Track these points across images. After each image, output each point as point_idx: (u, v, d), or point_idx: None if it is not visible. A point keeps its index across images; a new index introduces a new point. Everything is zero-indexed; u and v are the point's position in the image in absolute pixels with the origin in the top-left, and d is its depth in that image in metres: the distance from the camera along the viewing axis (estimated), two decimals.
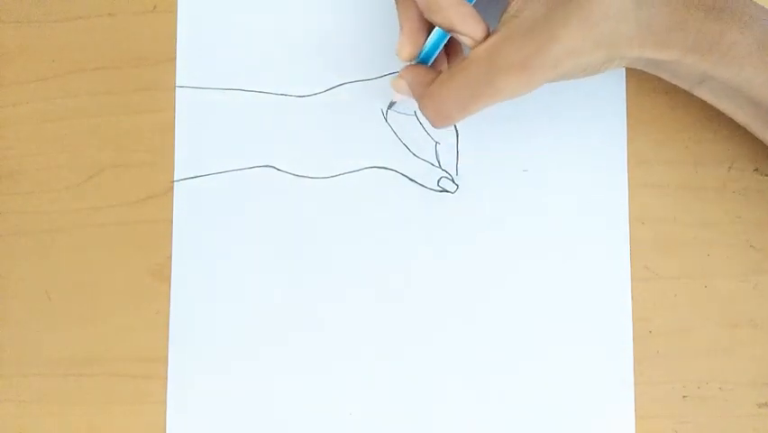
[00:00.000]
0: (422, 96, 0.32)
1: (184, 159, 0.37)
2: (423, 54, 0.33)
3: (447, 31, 0.31)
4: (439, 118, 0.32)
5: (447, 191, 0.37)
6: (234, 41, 0.38)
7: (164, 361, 0.36)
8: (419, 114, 0.37)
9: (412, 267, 0.36)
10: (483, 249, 0.36)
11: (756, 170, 0.36)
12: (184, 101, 0.38)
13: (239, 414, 0.36)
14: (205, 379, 0.36)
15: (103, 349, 0.37)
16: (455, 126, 0.37)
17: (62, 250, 0.38)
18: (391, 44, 0.37)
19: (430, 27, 0.33)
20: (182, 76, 0.38)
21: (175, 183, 0.37)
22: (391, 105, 0.36)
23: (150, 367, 0.37)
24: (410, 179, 0.37)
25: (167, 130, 0.38)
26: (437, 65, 0.34)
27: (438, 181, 0.37)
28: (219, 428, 0.36)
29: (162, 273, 0.37)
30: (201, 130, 0.38)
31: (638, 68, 0.32)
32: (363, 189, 0.37)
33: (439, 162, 0.37)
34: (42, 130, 0.38)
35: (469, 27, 0.30)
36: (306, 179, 0.37)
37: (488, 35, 0.30)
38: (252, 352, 0.36)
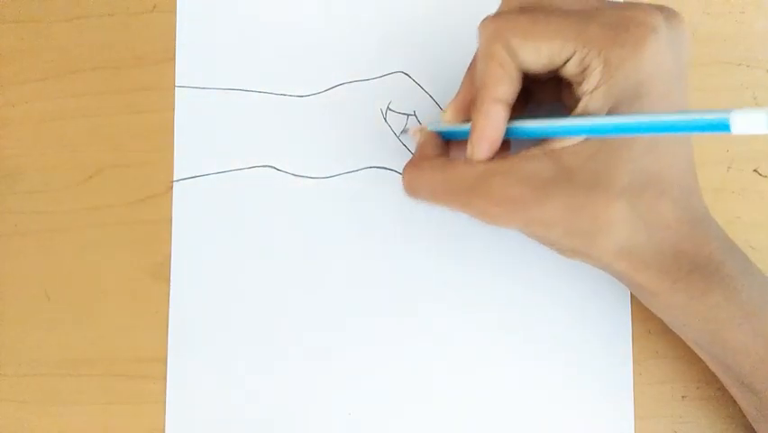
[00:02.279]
0: (413, 162, 0.32)
1: (183, 159, 0.37)
2: (449, 131, 0.33)
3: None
4: (408, 189, 0.31)
5: None
6: (234, 41, 0.38)
7: (163, 361, 0.36)
8: (419, 113, 0.37)
9: (411, 267, 0.36)
10: (483, 248, 0.36)
11: (756, 170, 0.36)
12: (183, 101, 0.38)
13: (238, 414, 0.36)
14: (205, 379, 0.36)
15: (102, 349, 0.37)
16: None
17: (62, 250, 0.38)
18: (391, 44, 0.37)
19: None
20: (181, 76, 0.38)
21: (174, 183, 0.37)
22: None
23: (149, 367, 0.37)
24: None
25: (166, 130, 0.38)
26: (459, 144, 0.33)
27: None
28: (218, 429, 0.36)
29: (162, 273, 0.37)
30: (200, 130, 0.38)
31: (612, 275, 0.31)
32: (363, 189, 0.37)
33: None
34: (42, 130, 0.38)
35: (478, 145, 0.29)
36: (306, 179, 0.37)
37: (486, 160, 0.30)
38: (252, 352, 0.36)
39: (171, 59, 0.38)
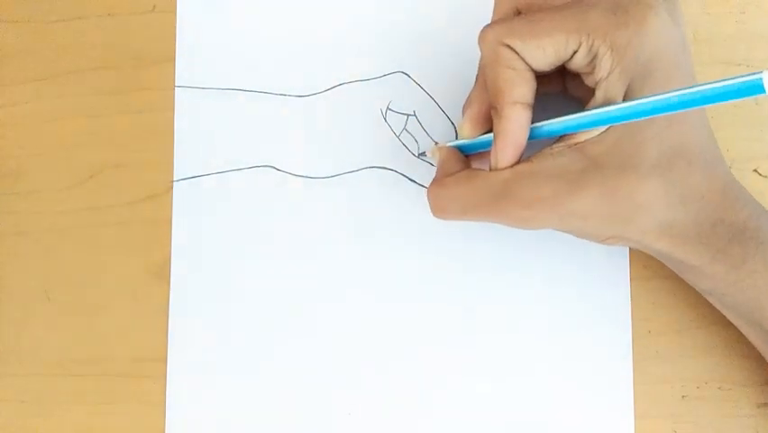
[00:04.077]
0: (437, 181, 0.32)
1: (183, 159, 0.37)
2: (468, 144, 0.33)
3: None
4: (436, 209, 0.31)
5: None
6: (234, 41, 0.38)
7: (163, 361, 0.36)
8: (419, 113, 0.37)
9: (412, 267, 0.36)
10: (483, 248, 0.36)
11: (755, 170, 0.36)
12: (183, 101, 0.38)
13: (238, 414, 0.36)
14: (205, 379, 0.36)
15: (102, 349, 0.37)
16: (455, 126, 0.37)
17: (62, 250, 0.38)
18: (391, 44, 0.37)
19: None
20: (181, 76, 0.38)
21: (174, 183, 0.37)
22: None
23: (149, 367, 0.37)
24: (410, 180, 0.37)
25: (166, 130, 0.38)
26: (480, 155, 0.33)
27: None
28: (218, 428, 0.36)
29: (162, 273, 0.37)
30: (200, 130, 0.38)
31: (648, 253, 0.31)
32: (363, 189, 0.37)
33: None
34: (42, 130, 0.38)
35: (502, 152, 0.29)
36: (306, 179, 0.37)
37: (511, 166, 0.30)
38: (251, 352, 0.36)
39: (171, 59, 0.38)
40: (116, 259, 0.37)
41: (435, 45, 0.37)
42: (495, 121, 0.29)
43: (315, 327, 0.36)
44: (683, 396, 0.35)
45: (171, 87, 0.38)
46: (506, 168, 0.29)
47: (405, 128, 0.37)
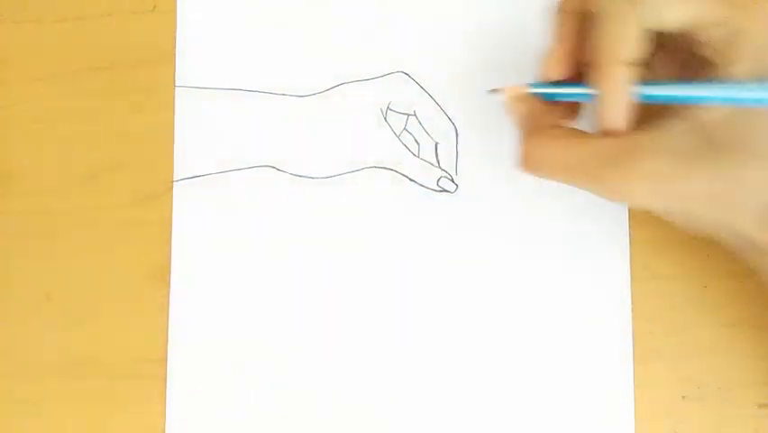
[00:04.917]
0: (534, 132, 0.30)
1: (183, 159, 0.37)
2: (550, 94, 0.30)
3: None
4: (529, 162, 0.30)
5: (447, 191, 0.37)
6: (234, 41, 0.38)
7: (163, 362, 0.36)
8: (419, 113, 0.37)
9: (411, 267, 0.36)
10: (483, 249, 0.36)
11: None
12: (183, 101, 0.38)
13: (238, 415, 0.36)
14: (205, 380, 0.36)
15: (102, 350, 0.37)
16: (455, 126, 0.37)
17: (62, 250, 0.38)
18: (391, 44, 0.37)
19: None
20: (181, 76, 0.38)
21: (174, 183, 0.37)
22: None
23: (149, 368, 0.37)
24: (410, 180, 0.37)
25: (166, 130, 0.38)
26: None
27: (438, 181, 0.37)
28: (218, 429, 0.36)
29: (162, 274, 0.37)
30: (200, 130, 0.38)
31: (749, 248, 0.29)
32: (363, 189, 0.37)
33: (438, 162, 0.37)
34: (42, 130, 0.38)
35: (614, 114, 0.27)
36: (306, 179, 0.37)
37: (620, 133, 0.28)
38: (251, 352, 0.36)
39: (171, 59, 0.38)
40: (116, 259, 0.37)
41: (435, 45, 0.37)
42: (597, 78, 0.28)
43: (315, 327, 0.36)
44: (683, 396, 0.35)
45: (171, 87, 0.38)
46: (618, 132, 0.28)
47: (405, 128, 0.37)
